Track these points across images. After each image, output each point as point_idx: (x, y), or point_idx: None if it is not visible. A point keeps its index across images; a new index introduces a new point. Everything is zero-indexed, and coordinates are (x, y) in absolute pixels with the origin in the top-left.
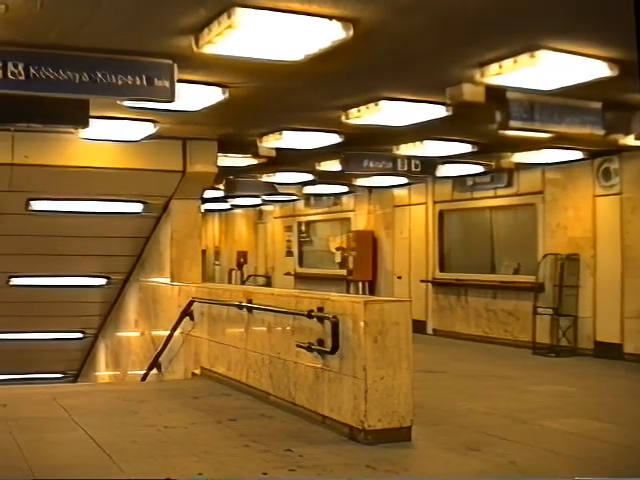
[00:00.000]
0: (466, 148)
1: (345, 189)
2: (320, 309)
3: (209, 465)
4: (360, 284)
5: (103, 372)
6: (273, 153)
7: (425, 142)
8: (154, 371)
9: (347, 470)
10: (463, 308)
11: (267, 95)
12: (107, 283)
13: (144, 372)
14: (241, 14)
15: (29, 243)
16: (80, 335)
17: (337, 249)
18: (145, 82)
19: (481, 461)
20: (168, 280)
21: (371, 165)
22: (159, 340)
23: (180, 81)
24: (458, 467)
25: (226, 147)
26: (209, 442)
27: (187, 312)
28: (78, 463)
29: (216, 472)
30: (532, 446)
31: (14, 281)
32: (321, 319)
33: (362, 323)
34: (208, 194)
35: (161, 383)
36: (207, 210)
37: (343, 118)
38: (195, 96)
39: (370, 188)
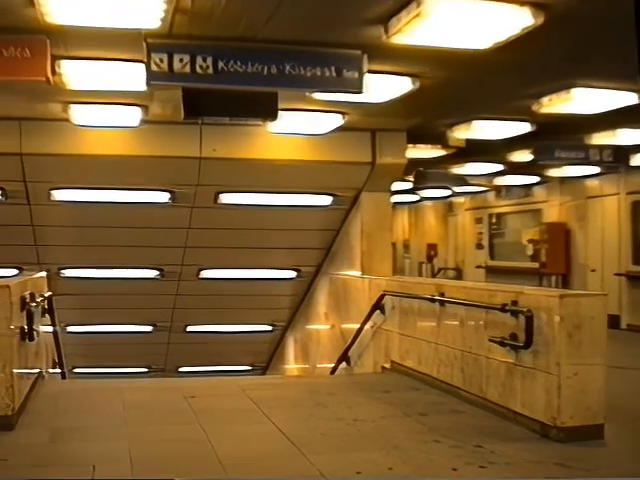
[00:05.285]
0: None
1: (536, 180)
2: (514, 303)
3: (398, 459)
4: (553, 277)
5: (292, 365)
6: (463, 143)
7: (618, 130)
8: (343, 364)
9: (538, 468)
10: None
11: (456, 84)
12: (297, 276)
13: (333, 365)
14: (430, 2)
15: (219, 236)
16: (269, 328)
17: (529, 241)
18: (334, 73)
19: None
20: (359, 273)
21: (563, 155)
22: (349, 333)
23: (369, 72)
24: None
25: (415, 138)
26: (398, 436)
27: (378, 305)
28: (267, 455)
29: (405, 466)
30: None
31: (204, 274)
32: (515, 313)
33: (557, 317)
34: (397, 186)
35: (350, 376)
36: (396, 202)
37: (534, 107)
38: (384, 87)
39: (562, 178)
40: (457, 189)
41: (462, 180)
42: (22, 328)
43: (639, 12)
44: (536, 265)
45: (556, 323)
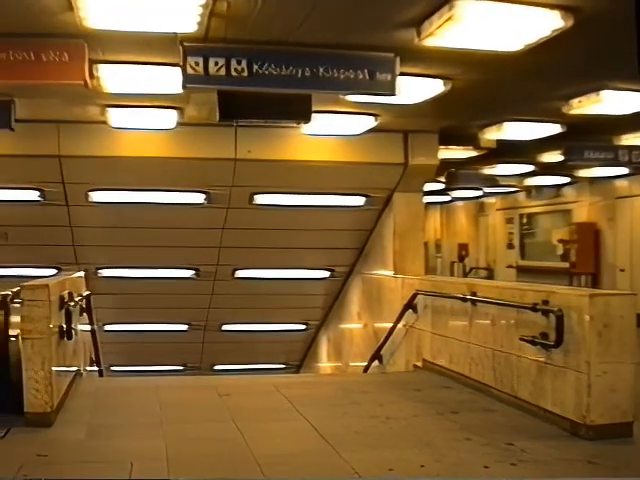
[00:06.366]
0: None
1: (566, 180)
2: (545, 302)
3: (430, 457)
4: (583, 277)
5: (325, 363)
6: (494, 144)
7: None
8: (376, 363)
9: (568, 466)
10: None
11: (487, 86)
12: (330, 276)
13: (366, 364)
14: (462, 6)
15: (254, 236)
16: (303, 327)
17: (559, 241)
18: (367, 76)
19: None
20: (391, 273)
21: (592, 156)
22: (381, 332)
23: (401, 74)
24: None
25: (447, 139)
26: (430, 434)
27: (410, 305)
28: (302, 452)
29: (437, 464)
30: None
31: (239, 274)
32: (545, 312)
33: (587, 316)
34: (429, 187)
35: (383, 375)
36: (428, 203)
37: (564, 108)
38: (416, 89)
39: (591, 179)
40: (488, 189)
41: (493, 181)
42: (61, 327)
43: (639, 12)
44: (566, 265)
45: (586, 322)
